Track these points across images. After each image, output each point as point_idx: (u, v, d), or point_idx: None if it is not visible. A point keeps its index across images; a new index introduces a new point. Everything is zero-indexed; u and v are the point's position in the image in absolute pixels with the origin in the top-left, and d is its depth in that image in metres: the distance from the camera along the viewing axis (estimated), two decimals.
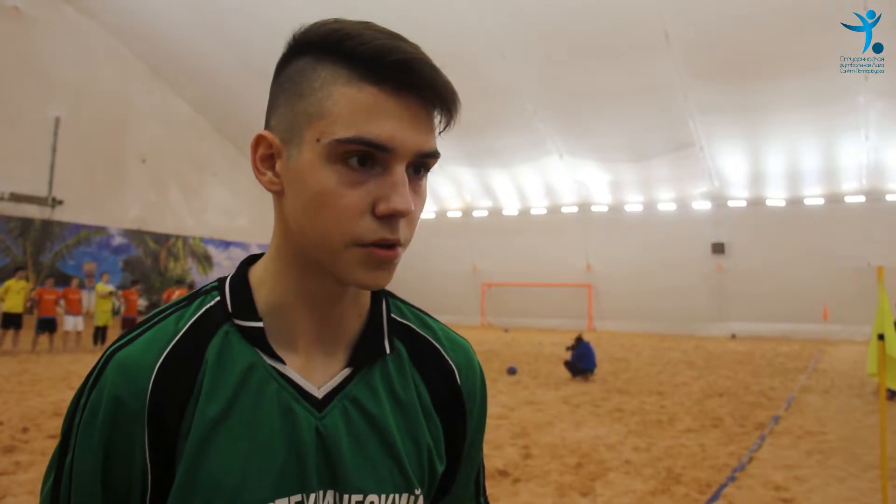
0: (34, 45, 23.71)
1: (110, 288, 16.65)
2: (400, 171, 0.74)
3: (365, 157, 0.73)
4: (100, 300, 16.15)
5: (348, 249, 0.75)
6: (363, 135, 0.72)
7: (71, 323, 15.59)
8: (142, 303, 19.56)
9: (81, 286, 17.18)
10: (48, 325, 15.01)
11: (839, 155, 24.04)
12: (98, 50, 25.94)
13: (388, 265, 0.77)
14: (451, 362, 0.94)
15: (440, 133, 0.80)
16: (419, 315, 0.97)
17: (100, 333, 15.87)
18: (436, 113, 0.78)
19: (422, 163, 0.78)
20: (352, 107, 0.73)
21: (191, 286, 22.61)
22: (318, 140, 0.74)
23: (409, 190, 0.75)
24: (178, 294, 18.53)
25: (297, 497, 0.78)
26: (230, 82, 26.53)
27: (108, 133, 26.21)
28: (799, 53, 19.54)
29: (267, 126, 0.81)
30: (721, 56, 20.75)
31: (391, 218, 0.74)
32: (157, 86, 28.37)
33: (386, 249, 0.75)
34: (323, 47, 0.75)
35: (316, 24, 0.77)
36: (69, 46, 24.78)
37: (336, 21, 0.76)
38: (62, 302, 15.60)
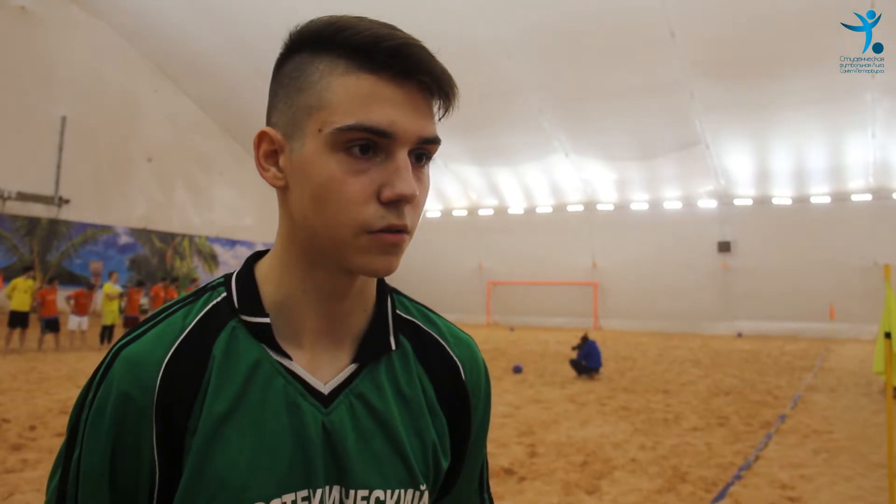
0: (40, 44, 23.81)
1: (119, 290, 16.70)
2: (402, 157, 0.75)
3: (367, 145, 0.74)
4: (107, 300, 16.19)
5: (357, 237, 0.75)
6: (363, 122, 0.73)
7: (75, 322, 15.62)
8: (144, 301, 19.61)
9: (91, 287, 17.25)
10: (51, 325, 15.05)
11: (846, 153, 23.97)
12: (104, 49, 26.04)
13: (396, 250, 0.77)
14: (455, 358, 0.95)
15: (440, 119, 0.81)
16: (424, 311, 0.98)
17: (106, 332, 15.91)
18: (434, 99, 0.78)
19: (423, 149, 0.78)
20: (351, 95, 0.74)
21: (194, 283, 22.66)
22: (319, 130, 0.74)
23: (413, 176, 0.76)
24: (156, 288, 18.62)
25: (304, 492, 0.78)
26: (236, 82, 26.60)
27: (114, 132, 26.32)
28: (805, 51, 19.49)
29: (268, 123, 0.82)
30: (727, 54, 20.71)
31: (397, 203, 0.75)
32: (163, 85, 28.46)
33: (394, 234, 0.76)
34: (319, 41, 0.76)
35: (310, 21, 0.79)
36: (75, 46, 24.89)
37: (330, 17, 0.77)
38: (71, 301, 15.64)
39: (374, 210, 0.75)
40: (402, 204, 0.76)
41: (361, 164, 0.75)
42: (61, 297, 16.69)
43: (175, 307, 0.83)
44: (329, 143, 0.74)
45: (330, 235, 0.76)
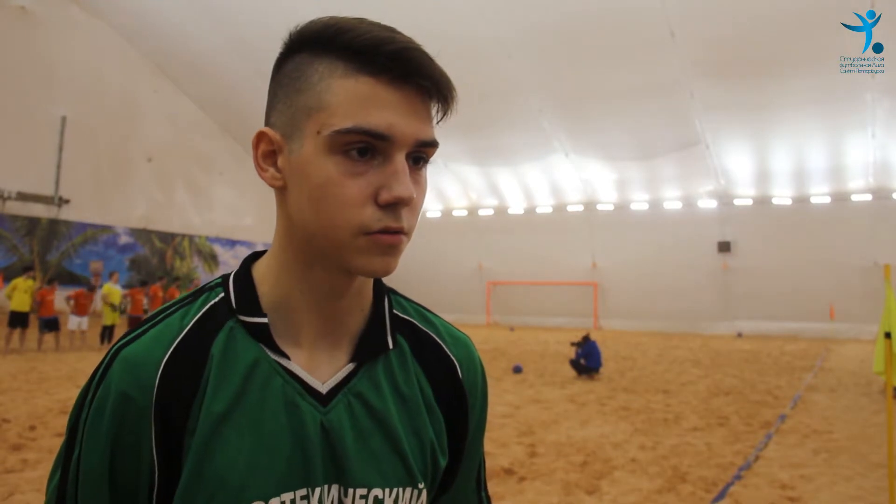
0: (40, 44, 23.81)
1: (120, 292, 16.59)
2: (400, 160, 0.75)
3: (365, 147, 0.74)
4: (111, 298, 16.17)
5: (354, 238, 0.76)
6: (362, 125, 0.73)
7: (75, 322, 15.61)
8: (146, 301, 19.59)
9: (91, 288, 17.24)
10: (50, 325, 15.05)
11: (846, 153, 23.97)
12: (104, 49, 26.03)
13: (394, 251, 0.77)
14: (452, 357, 0.95)
15: (438, 123, 0.81)
16: (420, 311, 0.98)
17: (107, 332, 15.91)
18: (433, 103, 0.79)
19: (421, 152, 0.79)
20: (350, 98, 0.74)
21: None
22: (318, 132, 0.75)
23: (410, 179, 0.76)
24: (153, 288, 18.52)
25: (303, 491, 0.79)
26: (236, 82, 26.60)
27: (114, 132, 26.31)
28: (805, 51, 19.49)
29: (267, 123, 0.82)
30: (727, 54, 20.71)
31: (394, 206, 0.75)
32: (164, 85, 28.46)
33: (391, 235, 0.76)
34: (319, 43, 0.77)
35: (310, 22, 0.79)
36: (75, 46, 24.88)
37: (330, 18, 0.78)
38: (71, 302, 15.63)
39: (371, 212, 0.75)
40: (399, 207, 0.76)
41: (359, 166, 0.75)
42: (60, 298, 16.69)
43: (173, 308, 0.84)
44: (327, 145, 0.74)
45: (327, 236, 0.77)
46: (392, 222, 0.75)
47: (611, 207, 30.09)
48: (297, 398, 0.81)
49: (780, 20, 18.95)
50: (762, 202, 27.03)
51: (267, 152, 0.81)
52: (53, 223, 24.66)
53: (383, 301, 0.92)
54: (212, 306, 0.84)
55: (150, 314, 0.85)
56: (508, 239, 31.68)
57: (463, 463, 0.97)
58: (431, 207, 33.07)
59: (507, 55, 22.98)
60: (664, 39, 20.78)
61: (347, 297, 0.86)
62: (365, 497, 0.82)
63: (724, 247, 27.74)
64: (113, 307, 16.12)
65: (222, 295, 0.85)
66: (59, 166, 24.65)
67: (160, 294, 18.23)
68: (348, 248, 0.76)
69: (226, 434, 0.77)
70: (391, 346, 0.90)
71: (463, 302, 32.20)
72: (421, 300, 1.02)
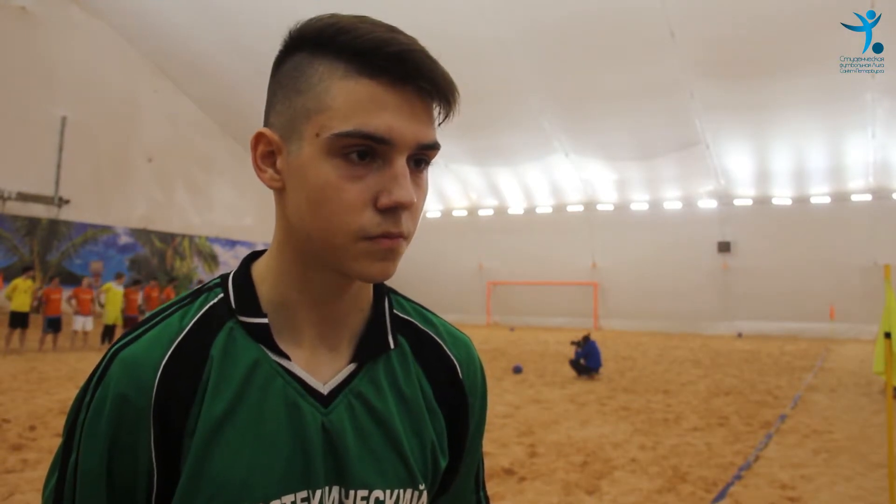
0: (40, 44, 23.79)
1: (121, 291, 16.55)
2: (400, 164, 0.74)
3: (365, 151, 0.73)
4: (111, 297, 16.14)
5: (353, 243, 0.75)
6: (362, 128, 0.72)
7: (80, 322, 15.59)
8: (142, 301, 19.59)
9: (91, 286, 17.21)
10: (54, 325, 15.04)
11: (846, 153, 23.97)
12: (104, 49, 26.01)
13: (393, 255, 0.76)
14: (452, 357, 0.95)
15: (439, 124, 0.80)
16: (420, 311, 0.98)
17: (108, 332, 15.91)
18: (434, 104, 0.77)
19: (422, 155, 0.77)
20: (350, 100, 0.72)
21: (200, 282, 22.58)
22: (317, 135, 0.74)
23: (411, 182, 0.75)
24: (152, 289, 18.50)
25: (303, 493, 0.78)
26: (236, 82, 26.58)
27: (114, 132, 26.29)
28: (805, 51, 19.49)
29: (266, 123, 0.80)
30: (727, 54, 20.71)
31: (394, 210, 0.74)
32: (164, 85, 28.44)
33: (391, 239, 0.75)
34: (319, 42, 0.75)
35: (311, 20, 0.77)
36: (75, 46, 24.86)
37: (331, 16, 0.76)
38: (73, 301, 15.61)
39: (370, 217, 0.74)
40: (399, 211, 0.75)
41: (358, 169, 0.74)
42: (63, 298, 16.68)
43: (172, 308, 0.83)
44: (326, 148, 0.73)
45: (325, 240, 0.76)
46: (392, 227, 0.74)
47: (611, 207, 30.08)
48: (298, 399, 0.80)
49: (780, 20, 18.94)
50: (762, 202, 27.03)
51: (265, 153, 0.80)
52: (53, 223, 24.66)
53: (383, 301, 0.92)
54: (211, 307, 0.83)
55: (147, 315, 0.84)
56: (508, 239, 31.68)
57: (463, 463, 0.96)
58: (431, 207, 33.06)
59: (507, 55, 22.96)
60: (664, 39, 20.77)
61: (347, 298, 0.85)
62: (366, 498, 0.81)
63: (724, 247, 27.75)
64: (102, 304, 16.13)
65: (221, 295, 0.84)
66: (59, 166, 24.63)
67: (155, 295, 18.25)
68: (346, 253, 0.76)
69: (226, 436, 0.76)
70: (392, 345, 0.89)
71: (463, 302, 32.20)
72: (421, 300, 1.01)
